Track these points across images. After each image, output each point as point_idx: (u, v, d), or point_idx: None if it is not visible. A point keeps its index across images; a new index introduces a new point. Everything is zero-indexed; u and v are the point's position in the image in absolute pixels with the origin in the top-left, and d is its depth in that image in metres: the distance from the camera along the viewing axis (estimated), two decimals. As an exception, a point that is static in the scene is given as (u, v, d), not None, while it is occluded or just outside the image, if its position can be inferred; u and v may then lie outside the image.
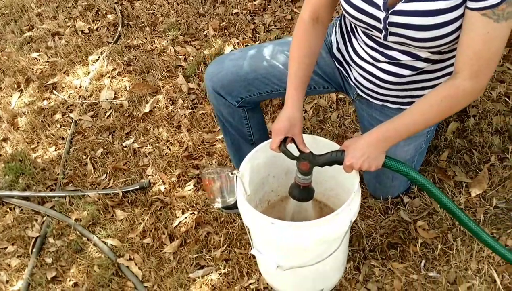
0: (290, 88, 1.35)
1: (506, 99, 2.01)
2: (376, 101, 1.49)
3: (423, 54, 1.27)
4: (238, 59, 1.55)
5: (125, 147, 2.24)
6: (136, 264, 1.77)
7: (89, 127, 2.38)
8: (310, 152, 1.36)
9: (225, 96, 1.56)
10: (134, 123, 2.35)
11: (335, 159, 1.33)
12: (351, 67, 1.46)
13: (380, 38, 1.25)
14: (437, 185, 1.79)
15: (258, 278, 1.65)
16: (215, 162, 2.05)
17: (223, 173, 1.45)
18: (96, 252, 1.84)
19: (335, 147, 1.41)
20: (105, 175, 2.12)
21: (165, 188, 2.01)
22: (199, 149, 2.14)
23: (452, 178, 1.82)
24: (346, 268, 1.62)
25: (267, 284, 1.63)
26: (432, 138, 1.90)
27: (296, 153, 1.37)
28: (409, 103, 1.45)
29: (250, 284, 1.64)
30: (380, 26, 1.21)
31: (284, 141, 1.36)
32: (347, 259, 1.63)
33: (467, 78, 1.15)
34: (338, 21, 1.51)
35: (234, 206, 1.47)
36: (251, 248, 1.69)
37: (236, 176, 1.41)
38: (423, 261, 1.62)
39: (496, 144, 1.87)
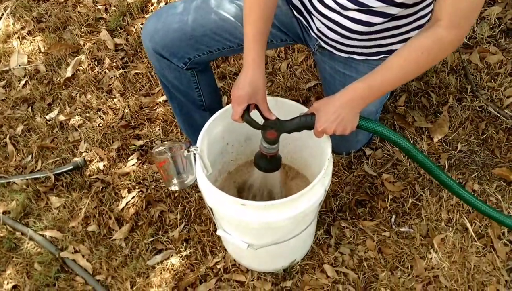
0: (248, 48, 1.16)
1: (459, 35, 1.94)
2: (341, 54, 1.33)
3: (399, -2, 1.11)
4: (182, 13, 1.31)
5: (49, 120, 1.95)
6: (83, 256, 1.57)
7: (2, 100, 2.05)
8: (277, 118, 1.21)
9: (170, 58, 1.34)
10: (56, 92, 2.04)
11: (305, 124, 1.20)
12: (313, 16, 1.28)
13: (353, -18, 1.08)
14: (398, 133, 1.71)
15: (224, 255, 1.52)
16: (159, 129, 1.83)
17: (176, 149, 1.26)
18: (34, 248, 1.61)
19: (302, 109, 1.26)
20: (30, 156, 1.84)
21: (104, 165, 1.77)
22: (137, 115, 1.90)
23: (412, 124, 1.75)
24: (316, 233, 1.52)
25: (234, 260, 1.50)
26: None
27: (260, 120, 1.20)
28: (377, 54, 1.32)
29: (216, 263, 1.51)
30: (355, -33, 1.03)
31: (247, 109, 1.18)
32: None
33: (449, 26, 1.03)
34: (294, -38, 1.31)
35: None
36: (213, 226, 1.54)
37: (194, 153, 1.22)
38: (394, 216, 1.56)
39: (452, 84, 1.81)
